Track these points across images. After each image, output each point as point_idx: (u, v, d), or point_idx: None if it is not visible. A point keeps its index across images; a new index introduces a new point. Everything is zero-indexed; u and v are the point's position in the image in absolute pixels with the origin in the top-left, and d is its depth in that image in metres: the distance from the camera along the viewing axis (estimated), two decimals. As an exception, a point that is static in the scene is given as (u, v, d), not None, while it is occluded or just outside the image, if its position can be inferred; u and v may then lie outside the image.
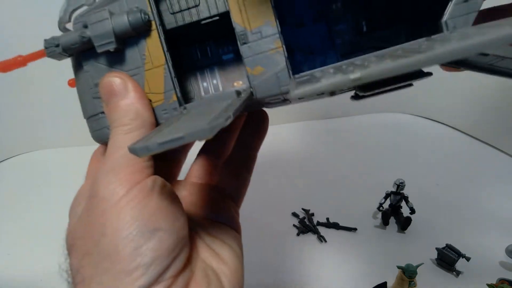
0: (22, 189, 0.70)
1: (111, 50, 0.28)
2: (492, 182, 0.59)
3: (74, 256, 0.25)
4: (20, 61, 0.30)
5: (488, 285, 0.43)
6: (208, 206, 0.32)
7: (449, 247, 0.48)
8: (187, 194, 0.33)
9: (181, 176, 0.35)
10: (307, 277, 0.47)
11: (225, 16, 0.30)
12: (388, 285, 0.45)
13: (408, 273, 0.42)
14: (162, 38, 0.29)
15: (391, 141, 0.78)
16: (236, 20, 0.28)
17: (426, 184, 0.63)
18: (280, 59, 0.28)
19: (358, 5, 0.32)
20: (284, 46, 0.28)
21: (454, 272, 0.47)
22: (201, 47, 0.33)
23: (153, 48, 0.29)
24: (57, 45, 0.28)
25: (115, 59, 0.29)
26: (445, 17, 0.27)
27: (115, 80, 0.28)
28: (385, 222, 0.55)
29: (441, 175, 0.64)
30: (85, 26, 0.27)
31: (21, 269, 0.49)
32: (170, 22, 0.30)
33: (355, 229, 0.54)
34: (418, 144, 0.76)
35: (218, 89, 0.33)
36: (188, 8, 0.30)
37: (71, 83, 0.31)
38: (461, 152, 0.76)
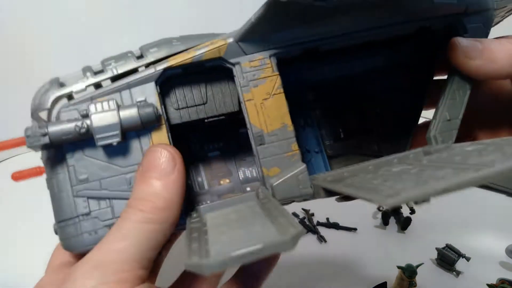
0: (22, 189, 0.70)
1: (114, 144, 0.24)
2: (492, 182, 0.59)
3: None
4: (38, 172, 0.27)
5: (488, 285, 0.43)
6: None
7: (449, 247, 0.48)
8: None
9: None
10: (307, 277, 0.47)
11: (230, 116, 0.30)
12: (388, 285, 0.45)
13: (408, 273, 0.42)
14: (169, 134, 0.27)
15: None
16: (253, 121, 0.28)
17: (426, 184, 0.63)
18: (297, 161, 0.28)
19: (334, 115, 0.34)
20: (300, 149, 0.28)
21: (454, 272, 0.47)
22: (184, 144, 0.31)
23: (158, 142, 0.26)
24: (45, 135, 0.24)
25: (111, 152, 0.25)
26: (432, 132, 0.30)
27: (166, 153, 0.24)
28: (385, 222, 0.55)
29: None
30: (84, 116, 0.24)
31: (21, 269, 0.49)
32: (175, 117, 0.29)
33: (355, 229, 0.54)
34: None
35: (203, 187, 0.32)
36: (195, 106, 0.30)
37: (16, 177, 0.26)
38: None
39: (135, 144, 0.26)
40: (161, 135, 0.26)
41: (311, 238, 0.54)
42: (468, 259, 0.47)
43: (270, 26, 0.25)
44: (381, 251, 0.51)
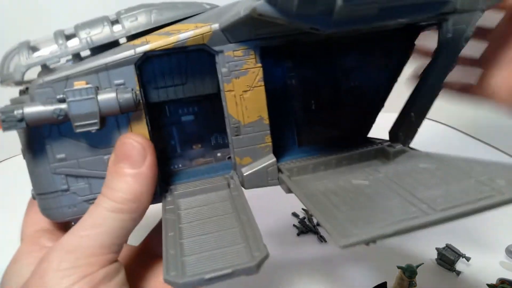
0: (22, 189, 0.70)
1: (93, 131, 0.24)
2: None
3: None
4: None
5: (488, 285, 0.43)
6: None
7: (449, 247, 0.48)
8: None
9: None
10: (307, 277, 0.47)
11: (208, 97, 0.30)
12: (388, 285, 0.45)
13: (408, 273, 0.42)
14: (147, 118, 0.27)
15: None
16: (231, 112, 0.28)
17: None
18: (269, 154, 0.30)
19: (309, 87, 0.34)
20: (272, 143, 0.30)
21: (454, 272, 0.47)
22: (160, 106, 0.31)
23: (136, 125, 0.27)
24: (21, 120, 0.23)
25: (89, 134, 0.25)
26: (395, 129, 0.34)
27: (137, 146, 0.25)
28: (385, 222, 0.55)
29: None
30: (61, 101, 0.23)
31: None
32: (153, 96, 0.29)
33: (355, 229, 0.54)
34: (418, 144, 0.76)
35: (176, 150, 0.32)
36: (174, 86, 0.29)
37: None
38: (461, 152, 0.75)
39: (113, 127, 0.26)
40: (140, 120, 0.26)
41: (311, 238, 0.54)
42: (468, 259, 0.47)
43: (258, 22, 0.25)
44: (381, 251, 0.51)
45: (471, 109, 0.80)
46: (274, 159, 0.30)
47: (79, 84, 0.24)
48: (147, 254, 0.30)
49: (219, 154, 0.34)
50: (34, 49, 0.25)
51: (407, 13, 0.24)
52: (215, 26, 0.26)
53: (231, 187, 0.29)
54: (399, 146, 0.33)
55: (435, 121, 0.87)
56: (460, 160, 0.29)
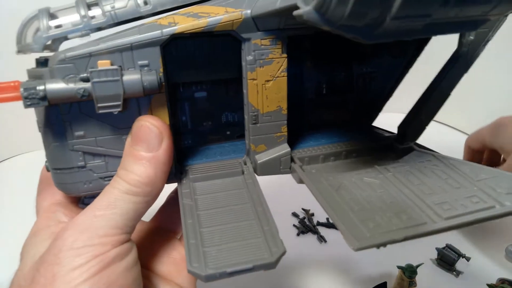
0: (22, 189, 0.70)
1: (115, 113, 0.24)
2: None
3: None
4: None
5: (488, 285, 0.44)
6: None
7: (449, 247, 0.48)
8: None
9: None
10: (307, 277, 0.47)
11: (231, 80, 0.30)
12: (388, 285, 0.45)
13: (408, 273, 0.42)
14: (168, 102, 0.27)
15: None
16: (251, 100, 0.28)
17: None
18: (283, 143, 0.30)
19: (323, 70, 0.34)
20: (287, 133, 0.30)
21: (454, 272, 0.47)
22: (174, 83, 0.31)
23: (157, 107, 0.26)
24: (43, 98, 0.22)
25: (110, 114, 0.24)
26: (404, 127, 0.35)
27: (154, 129, 0.25)
28: (385, 222, 0.55)
29: None
30: (85, 80, 0.23)
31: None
32: (173, 77, 0.29)
33: (355, 229, 0.54)
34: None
35: (187, 126, 0.32)
36: (197, 68, 0.29)
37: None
38: (461, 152, 0.76)
39: (134, 108, 0.26)
40: (161, 102, 0.26)
41: (311, 238, 0.54)
42: (468, 259, 0.47)
43: (292, 14, 0.25)
44: (381, 251, 0.51)
45: (472, 110, 0.80)
46: (289, 149, 0.30)
47: (104, 64, 0.23)
48: (158, 230, 0.31)
49: (228, 132, 0.34)
50: (53, 17, 0.24)
51: (449, 29, 0.24)
52: (247, 12, 0.25)
53: (245, 174, 0.29)
54: (407, 144, 0.33)
55: (435, 121, 0.87)
56: (465, 165, 0.30)
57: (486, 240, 0.51)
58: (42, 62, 0.25)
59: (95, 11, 0.25)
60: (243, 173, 0.29)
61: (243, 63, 0.27)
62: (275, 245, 0.22)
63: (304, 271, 0.48)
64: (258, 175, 0.30)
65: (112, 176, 0.26)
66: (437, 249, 0.48)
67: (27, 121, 0.81)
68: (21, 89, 0.21)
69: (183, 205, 0.25)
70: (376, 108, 0.38)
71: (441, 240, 0.50)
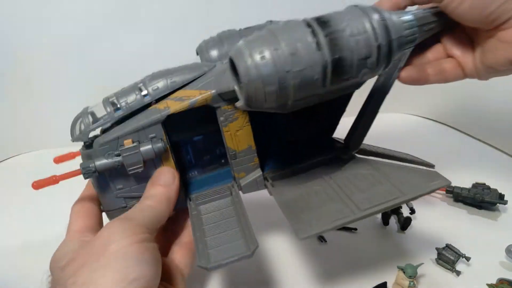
0: (22, 189, 0.70)
1: (139, 172, 0.37)
2: (494, 182, 0.59)
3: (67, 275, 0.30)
4: (54, 180, 0.35)
5: (488, 285, 0.44)
6: None
7: (449, 247, 0.48)
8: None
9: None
10: (307, 277, 0.47)
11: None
12: (388, 285, 0.45)
13: (408, 273, 0.42)
14: (173, 155, 0.40)
15: (392, 141, 0.78)
16: (229, 145, 0.40)
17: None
18: (257, 169, 0.42)
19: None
20: (258, 161, 0.42)
21: (454, 272, 0.47)
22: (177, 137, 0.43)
23: (166, 161, 0.39)
24: (95, 171, 0.35)
25: (136, 172, 0.37)
26: (347, 138, 0.47)
27: (169, 173, 0.38)
28: (385, 222, 0.55)
29: (442, 175, 0.64)
30: (118, 155, 0.36)
31: (21, 269, 0.49)
32: (174, 138, 0.40)
33: (355, 229, 0.54)
34: (418, 144, 0.76)
35: (191, 162, 0.45)
36: (188, 129, 0.42)
37: (35, 186, 0.34)
38: (462, 152, 0.76)
39: (151, 164, 0.38)
40: (168, 157, 0.39)
41: (310, 238, 0.54)
42: (468, 259, 0.47)
43: None
44: (381, 251, 0.51)
45: (472, 110, 0.80)
46: (261, 173, 0.42)
47: (128, 143, 0.36)
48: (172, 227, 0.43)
49: (223, 161, 0.45)
50: (92, 114, 0.37)
51: (341, 93, 0.34)
52: (214, 92, 0.37)
53: (233, 194, 0.41)
54: (350, 153, 0.44)
55: (436, 121, 0.87)
56: (387, 166, 0.40)
57: (486, 240, 0.51)
58: (88, 145, 0.37)
59: (116, 107, 0.37)
60: (231, 194, 0.41)
61: (219, 122, 0.38)
62: (252, 243, 0.33)
63: (304, 271, 0.48)
64: (243, 193, 0.43)
65: None
66: (437, 249, 0.48)
67: (27, 121, 0.81)
68: (81, 168, 0.35)
69: (193, 223, 0.38)
70: (333, 125, 0.49)
71: (441, 240, 0.50)
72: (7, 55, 0.74)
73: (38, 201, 0.58)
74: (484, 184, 0.59)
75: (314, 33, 0.30)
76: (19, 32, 0.73)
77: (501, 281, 0.44)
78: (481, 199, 0.56)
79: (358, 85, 0.35)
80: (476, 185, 0.59)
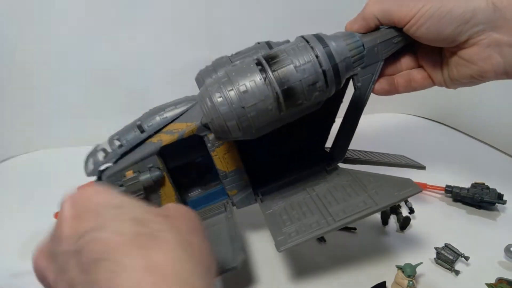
0: (22, 189, 0.70)
1: (142, 197, 0.43)
2: (494, 182, 0.59)
3: None
4: None
5: (487, 284, 0.44)
6: None
7: (448, 246, 0.48)
8: None
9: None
10: (307, 277, 0.47)
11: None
12: (387, 284, 0.45)
13: (407, 273, 0.43)
14: (172, 184, 0.45)
15: (391, 141, 0.78)
16: (219, 167, 0.45)
17: (425, 184, 0.63)
18: (247, 187, 0.47)
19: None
20: (248, 179, 0.47)
21: (453, 272, 0.47)
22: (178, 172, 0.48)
23: (165, 189, 0.45)
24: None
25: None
26: (331, 150, 0.49)
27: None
28: (384, 222, 0.55)
29: (441, 175, 0.64)
30: (121, 185, 0.42)
31: (21, 269, 0.49)
32: (170, 164, 0.46)
33: (354, 229, 0.54)
34: (418, 144, 0.76)
35: (195, 181, 0.50)
36: (182, 155, 0.47)
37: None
38: (462, 152, 0.76)
39: (153, 189, 0.44)
40: (166, 183, 0.45)
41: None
42: (467, 258, 0.47)
43: None
44: (380, 250, 0.51)
45: (472, 110, 0.80)
46: (250, 189, 0.47)
47: (129, 174, 0.43)
48: None
49: (213, 183, 0.50)
50: (101, 152, 0.44)
51: (301, 114, 0.38)
52: (198, 123, 0.42)
53: (227, 210, 0.46)
54: (334, 164, 0.48)
55: (436, 121, 0.87)
56: (365, 175, 0.43)
57: (485, 239, 0.51)
58: (99, 177, 0.44)
59: (118, 144, 0.44)
60: (226, 210, 0.46)
61: (208, 148, 0.44)
62: (239, 254, 0.38)
63: (304, 271, 0.48)
64: (237, 208, 0.48)
65: None
66: (436, 248, 0.48)
67: (27, 121, 0.81)
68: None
69: None
70: (324, 135, 0.53)
71: (440, 240, 0.50)
72: (7, 55, 0.74)
73: (39, 200, 0.58)
74: (483, 184, 0.59)
75: (262, 71, 0.35)
76: (19, 32, 0.73)
77: (500, 280, 0.44)
78: (480, 199, 0.56)
79: (318, 104, 0.39)
80: (475, 185, 0.59)
